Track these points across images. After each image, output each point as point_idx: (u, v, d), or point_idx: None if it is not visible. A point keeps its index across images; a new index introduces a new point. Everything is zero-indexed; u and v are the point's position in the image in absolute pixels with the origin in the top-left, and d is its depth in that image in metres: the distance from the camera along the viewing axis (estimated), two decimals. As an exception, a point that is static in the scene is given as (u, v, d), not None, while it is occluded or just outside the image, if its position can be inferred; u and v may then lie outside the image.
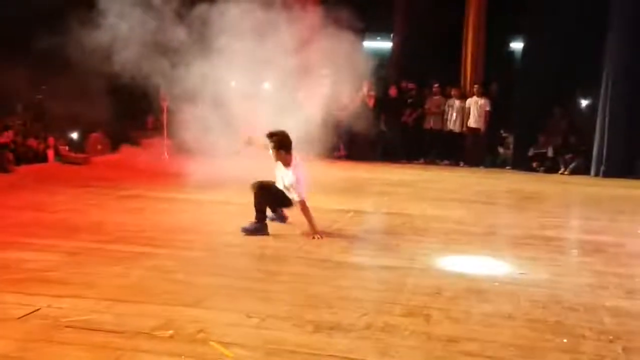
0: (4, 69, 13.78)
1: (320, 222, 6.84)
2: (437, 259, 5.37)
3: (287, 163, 6.20)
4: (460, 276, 4.89)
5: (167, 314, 3.81)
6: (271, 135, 6.19)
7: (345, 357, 3.30)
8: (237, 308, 3.97)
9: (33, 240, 5.61)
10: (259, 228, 6.12)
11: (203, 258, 5.26)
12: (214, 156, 10.32)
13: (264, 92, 13.67)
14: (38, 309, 3.84)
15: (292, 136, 6.31)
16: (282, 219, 6.68)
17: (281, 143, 6.15)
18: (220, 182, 8.49)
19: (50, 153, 12.31)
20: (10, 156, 11.07)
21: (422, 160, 13.84)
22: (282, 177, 6.25)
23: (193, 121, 9.20)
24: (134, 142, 13.26)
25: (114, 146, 13.40)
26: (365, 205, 8.11)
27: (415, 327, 3.76)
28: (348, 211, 7.57)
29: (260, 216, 6.18)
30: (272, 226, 6.36)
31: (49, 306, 3.90)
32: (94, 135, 13.40)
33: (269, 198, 6.29)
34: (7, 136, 12.01)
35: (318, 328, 3.69)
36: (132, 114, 12.77)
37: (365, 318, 3.87)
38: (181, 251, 5.42)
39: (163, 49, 8.27)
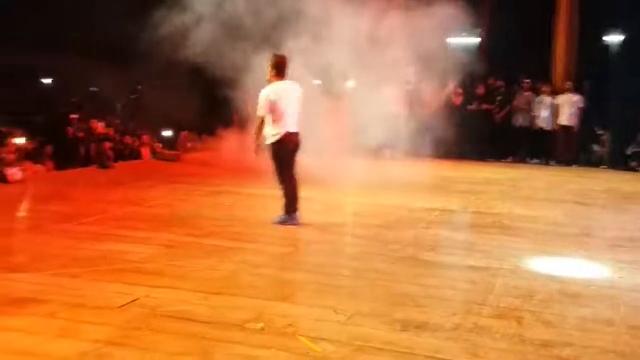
0: (105, 70, 14.58)
1: (406, 220, 6.84)
2: (527, 260, 5.22)
3: (269, 81, 6.26)
4: (553, 278, 4.73)
5: (257, 307, 3.91)
6: (272, 55, 6.38)
7: (433, 357, 3.27)
8: (325, 304, 4.02)
9: (131, 233, 5.89)
10: (286, 219, 6.28)
11: (289, 254, 5.35)
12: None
13: (350, 91, 13.74)
14: (137, 299, 4.02)
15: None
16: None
17: (275, 63, 6.25)
18: (305, 178, 8.59)
19: (145, 150, 12.88)
20: (110, 153, 11.67)
21: (510, 159, 13.47)
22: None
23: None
24: (223, 139, 13.61)
25: (203, 143, 13.85)
26: (452, 204, 7.98)
27: (506, 329, 3.67)
28: (434, 210, 7.47)
29: (289, 208, 6.27)
30: (357, 226, 6.38)
31: (146, 296, 4.08)
32: (184, 133, 13.90)
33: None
34: (108, 134, 12.68)
35: (406, 326, 3.67)
36: (219, 111, 13.07)
37: (453, 318, 3.82)
38: (268, 246, 5.55)
39: (255, 44, 8.41)
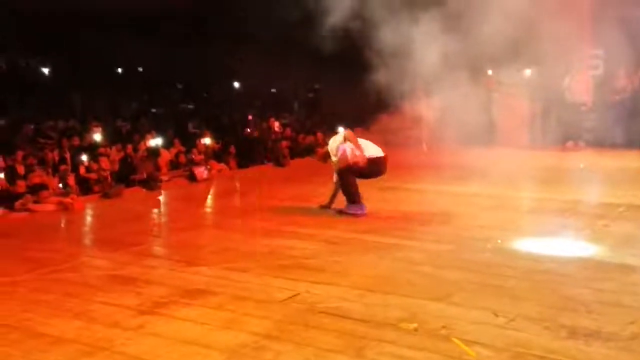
0: (285, 68, 15.27)
1: (584, 216, 6.32)
2: None
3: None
4: None
5: (412, 307, 3.85)
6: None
7: (603, 369, 2.98)
8: (484, 305, 3.84)
9: (297, 229, 6.12)
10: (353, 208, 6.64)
11: (451, 251, 5.19)
12: (471, 148, 10.17)
13: (527, 80, 13.04)
14: (297, 294, 4.17)
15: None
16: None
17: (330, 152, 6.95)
18: (473, 173, 8.32)
19: (320, 149, 13.29)
20: (286, 151, 12.23)
21: None
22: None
23: (450, 112, 9.15)
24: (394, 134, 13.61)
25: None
26: (641, 199, 7.21)
27: (694, 342, 3.23)
28: (619, 205, 6.80)
29: (350, 198, 6.69)
30: (526, 222, 6.02)
31: (307, 292, 4.21)
32: (357, 129, 14.08)
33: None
34: (284, 132, 13.31)
35: (573, 334, 3.39)
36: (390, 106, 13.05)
37: (631, 327, 3.45)
38: (429, 244, 5.43)
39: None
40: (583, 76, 12.94)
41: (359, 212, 6.66)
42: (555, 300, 3.91)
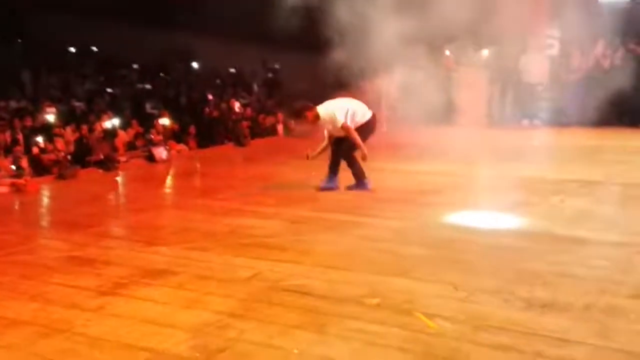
0: (242, 50, 15.11)
1: (541, 193, 6.46)
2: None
3: (314, 121, 6.81)
4: None
5: (374, 283, 3.88)
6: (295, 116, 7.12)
7: (559, 338, 3.06)
8: (445, 280, 3.90)
9: (259, 209, 6.09)
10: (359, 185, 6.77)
11: (412, 228, 5.24)
12: (430, 127, 10.25)
13: (485, 60, 13.19)
14: (260, 272, 4.15)
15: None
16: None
17: (296, 114, 7.02)
18: (432, 152, 8.41)
19: (280, 127, 13.25)
20: (247, 131, 12.15)
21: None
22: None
23: (409, 91, 9.18)
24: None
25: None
26: (595, 175, 7.39)
27: (645, 311, 3.35)
28: (574, 181, 6.98)
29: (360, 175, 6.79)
30: (486, 199, 6.12)
31: (269, 270, 4.20)
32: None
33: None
34: (244, 113, 13.20)
35: (530, 305, 3.47)
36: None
37: (585, 298, 3.55)
38: (391, 221, 5.48)
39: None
40: (539, 56, 13.17)
41: (368, 187, 6.77)
42: (513, 273, 4.00)
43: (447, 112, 11.20)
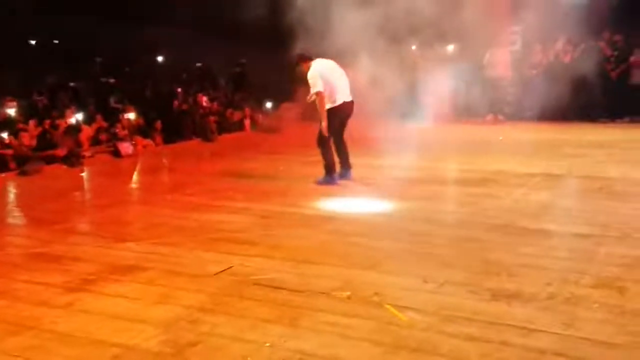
0: (208, 45, 14.96)
1: (505, 186, 6.59)
2: (637, 227, 4.87)
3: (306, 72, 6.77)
4: (666, 247, 4.40)
5: (345, 276, 3.92)
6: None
7: (525, 327, 3.14)
8: (414, 272, 3.96)
9: (229, 204, 6.08)
10: (328, 180, 6.84)
11: (381, 222, 5.31)
12: (395, 122, 10.35)
13: (448, 55, 13.34)
14: (230, 267, 4.16)
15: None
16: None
17: (295, 60, 6.93)
18: (397, 147, 8.49)
19: (247, 122, 13.20)
20: (214, 126, 12.07)
21: (627, 119, 12.56)
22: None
23: (374, 87, 9.23)
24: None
25: (306, 115, 13.95)
26: (556, 169, 7.57)
27: (607, 300, 3.46)
28: (535, 175, 7.14)
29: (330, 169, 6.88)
30: (453, 192, 6.23)
31: (240, 264, 4.21)
32: (285, 104, 14.04)
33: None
34: (212, 107, 13.10)
35: (496, 296, 3.56)
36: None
37: (549, 288, 3.65)
38: (360, 215, 5.53)
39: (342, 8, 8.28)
40: (502, 51, 13.38)
41: (329, 182, 6.84)
42: (480, 265, 4.09)
43: (412, 107, 11.35)
